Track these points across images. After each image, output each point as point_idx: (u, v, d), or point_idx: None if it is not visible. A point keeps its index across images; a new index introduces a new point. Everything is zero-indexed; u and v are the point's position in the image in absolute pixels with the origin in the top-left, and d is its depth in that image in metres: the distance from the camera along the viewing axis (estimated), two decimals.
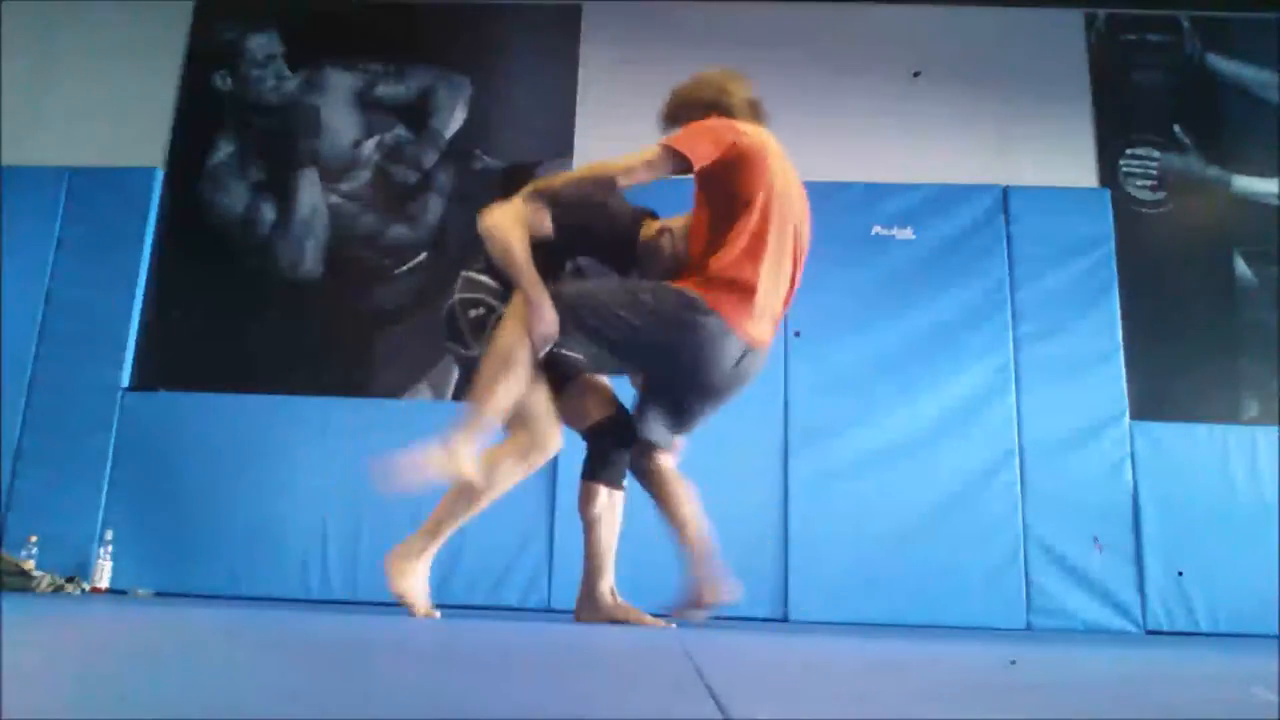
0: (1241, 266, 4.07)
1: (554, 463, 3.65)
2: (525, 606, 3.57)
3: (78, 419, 3.80)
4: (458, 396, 3.94)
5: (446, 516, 2.28)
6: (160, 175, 4.17)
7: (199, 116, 4.29)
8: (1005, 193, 4.05)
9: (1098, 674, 1.33)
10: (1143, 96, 4.28)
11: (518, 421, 2.22)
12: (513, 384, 2.14)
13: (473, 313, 2.28)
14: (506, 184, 4.18)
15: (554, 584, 3.57)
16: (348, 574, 3.63)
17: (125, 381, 3.90)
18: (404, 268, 4.12)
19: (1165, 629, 3.58)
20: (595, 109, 4.27)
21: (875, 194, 4.04)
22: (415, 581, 2.23)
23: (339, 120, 4.28)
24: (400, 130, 4.27)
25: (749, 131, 2.25)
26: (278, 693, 0.77)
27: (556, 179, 2.32)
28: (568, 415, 2.32)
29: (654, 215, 2.43)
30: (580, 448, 2.42)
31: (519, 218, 2.21)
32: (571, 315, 2.13)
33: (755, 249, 2.20)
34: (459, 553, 3.60)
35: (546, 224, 2.25)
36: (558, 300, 2.13)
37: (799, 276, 2.43)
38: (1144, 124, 4.24)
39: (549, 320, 2.11)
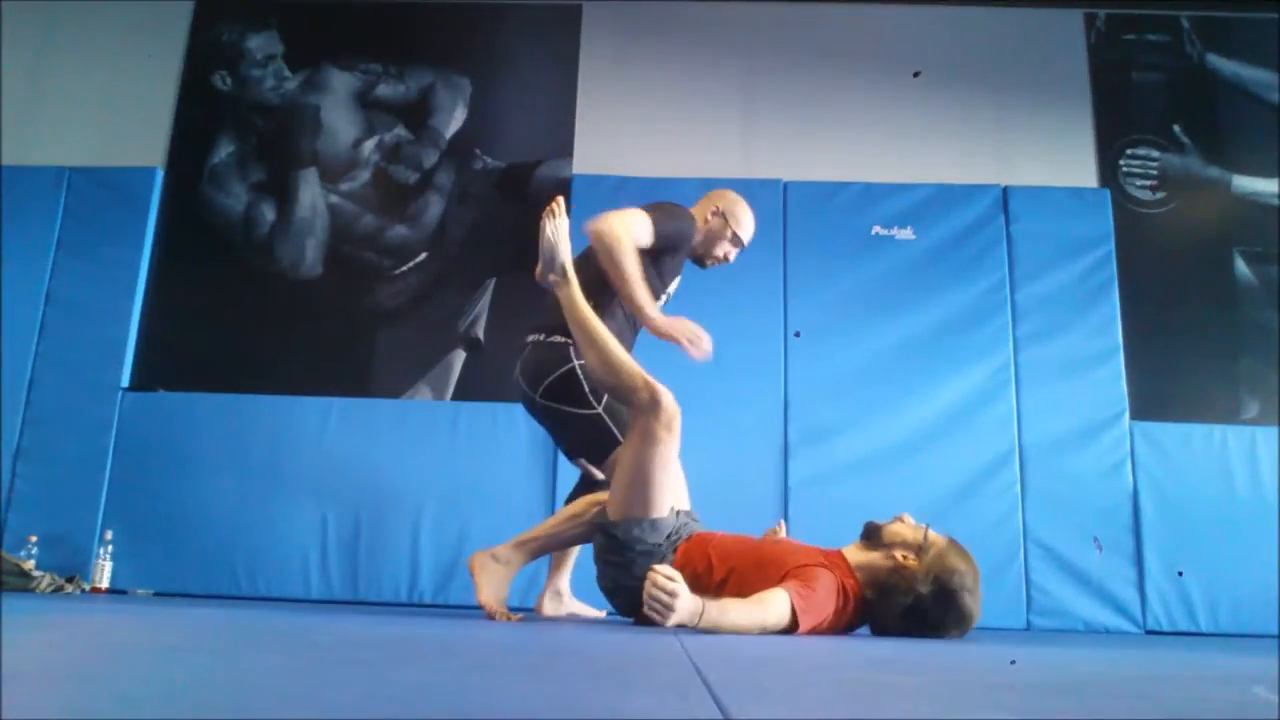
0: (1241, 266, 4.07)
1: (554, 465, 3.67)
2: (525, 606, 3.57)
3: (78, 419, 3.80)
4: (457, 396, 3.94)
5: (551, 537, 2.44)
6: (160, 175, 4.17)
7: (199, 116, 4.29)
8: (1005, 193, 4.05)
9: (1098, 674, 1.33)
10: (1143, 96, 4.28)
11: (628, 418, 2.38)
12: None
13: (561, 369, 2.50)
14: (506, 184, 4.19)
15: None
16: (348, 574, 3.63)
17: (125, 381, 3.90)
18: (404, 268, 4.12)
19: (1165, 629, 3.58)
20: (595, 109, 4.27)
21: (875, 194, 4.04)
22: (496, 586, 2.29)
23: (339, 120, 4.29)
24: (400, 130, 4.27)
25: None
26: (278, 693, 0.77)
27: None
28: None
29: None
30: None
31: (628, 228, 2.46)
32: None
33: None
34: (459, 553, 3.61)
35: (646, 238, 2.51)
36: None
37: None
38: (1144, 124, 4.24)
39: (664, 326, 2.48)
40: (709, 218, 2.69)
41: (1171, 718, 0.83)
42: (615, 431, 2.44)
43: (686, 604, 1.78)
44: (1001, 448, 3.74)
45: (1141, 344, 3.92)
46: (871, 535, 2.21)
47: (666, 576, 1.78)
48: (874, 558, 2.16)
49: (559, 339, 2.52)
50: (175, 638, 1.40)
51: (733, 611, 1.86)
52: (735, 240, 2.71)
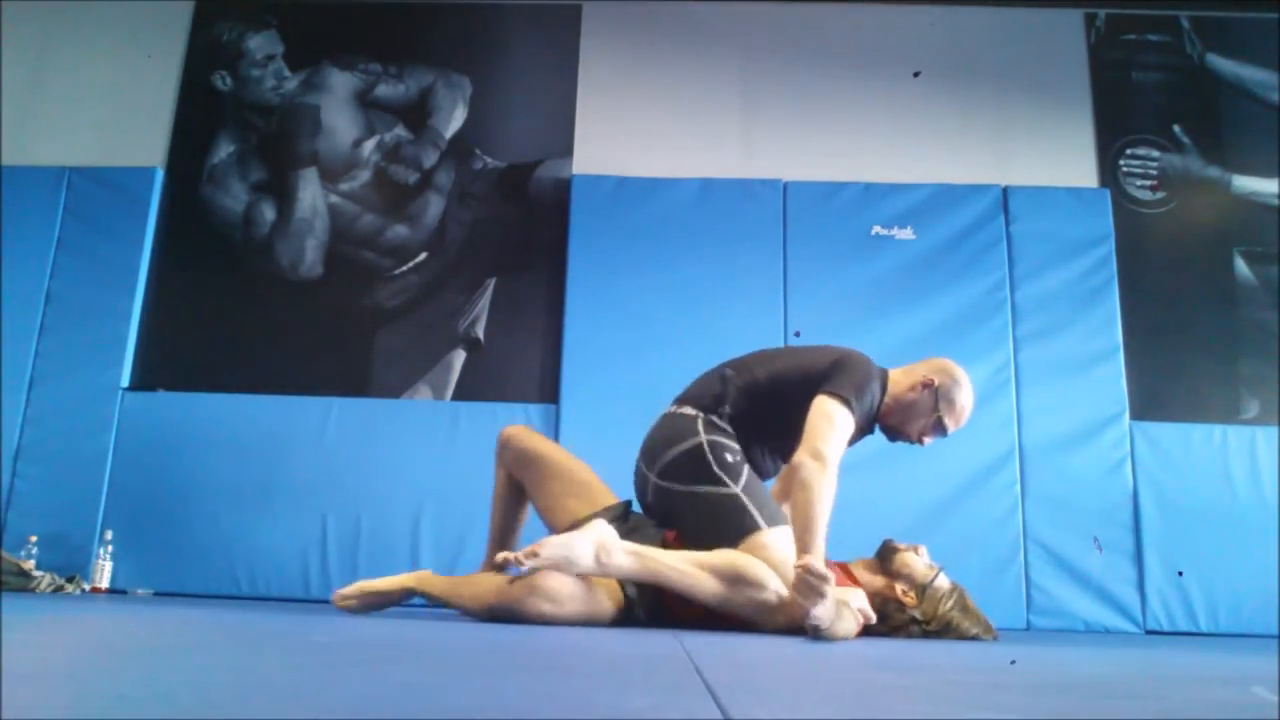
0: (1241, 266, 4.07)
1: None
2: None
3: (78, 419, 3.80)
4: (457, 396, 3.94)
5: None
6: (160, 175, 4.17)
7: (199, 116, 4.29)
8: (1005, 193, 4.05)
9: (1098, 674, 1.33)
10: (1143, 96, 4.29)
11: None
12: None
13: (729, 457, 2.18)
14: (506, 184, 4.19)
15: None
16: (348, 574, 3.63)
17: (125, 381, 3.90)
18: (404, 268, 4.12)
19: (1165, 629, 3.58)
20: (595, 109, 4.27)
21: (875, 194, 4.04)
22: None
23: (339, 120, 4.29)
24: (400, 130, 4.27)
25: None
26: (278, 693, 0.77)
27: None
28: None
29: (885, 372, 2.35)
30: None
31: (836, 460, 2.06)
32: None
33: None
34: (458, 553, 3.61)
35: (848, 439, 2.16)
36: None
37: None
38: (1144, 124, 4.24)
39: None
40: (918, 388, 2.26)
41: (1171, 718, 0.83)
42: (756, 514, 2.10)
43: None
44: (1001, 448, 3.74)
45: (1141, 344, 3.92)
46: (884, 557, 2.21)
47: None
48: (877, 582, 2.17)
49: (689, 410, 2.26)
50: (175, 638, 1.40)
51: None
52: (939, 427, 2.28)
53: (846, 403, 2.11)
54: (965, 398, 2.28)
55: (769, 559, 2.03)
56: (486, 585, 2.07)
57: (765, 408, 2.25)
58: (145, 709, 0.64)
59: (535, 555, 1.90)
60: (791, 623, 2.01)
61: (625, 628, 2.02)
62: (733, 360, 2.37)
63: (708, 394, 2.26)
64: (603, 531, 1.98)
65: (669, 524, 2.20)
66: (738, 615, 2.02)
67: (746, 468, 2.17)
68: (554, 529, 2.39)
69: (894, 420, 2.30)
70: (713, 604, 2.00)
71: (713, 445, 2.16)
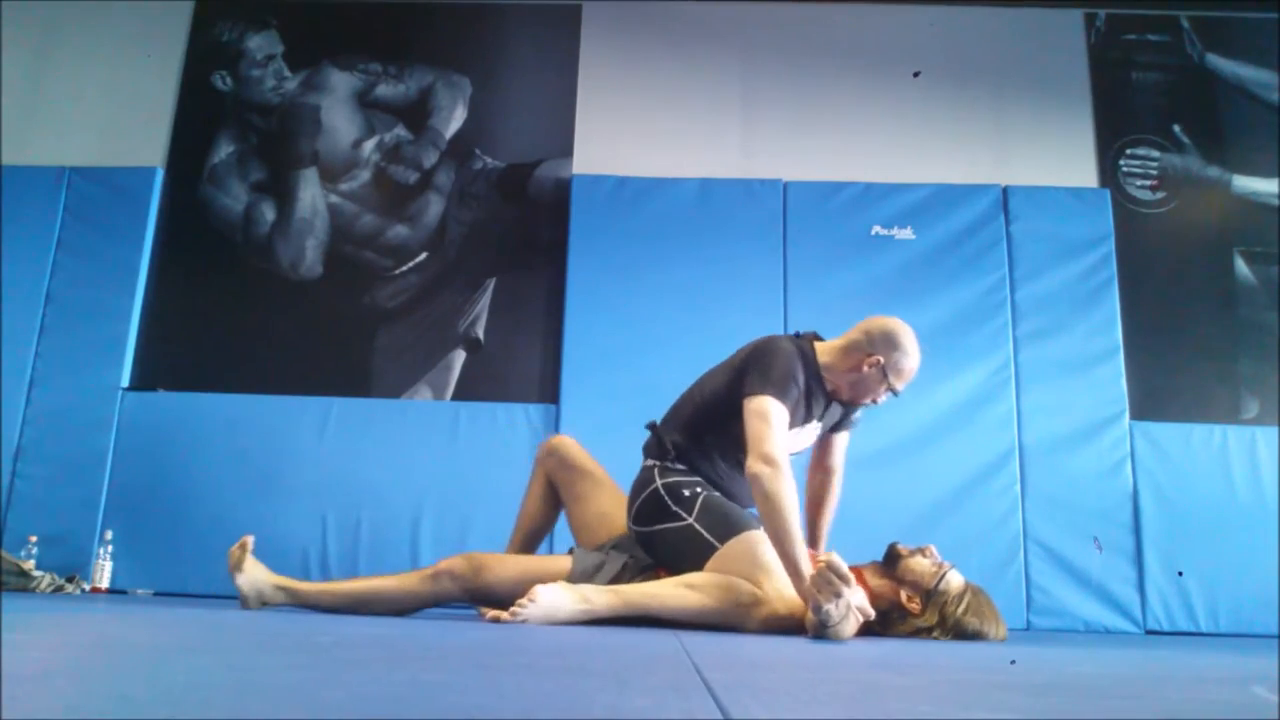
0: (1241, 266, 4.07)
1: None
2: None
3: (78, 419, 3.80)
4: (457, 396, 3.94)
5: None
6: (160, 175, 4.17)
7: (199, 116, 4.29)
8: (1005, 193, 4.05)
9: (1098, 674, 1.33)
10: (1143, 96, 4.29)
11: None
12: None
13: (685, 492, 2.25)
14: (506, 184, 4.19)
15: None
16: (347, 574, 3.63)
17: (125, 381, 3.90)
18: (404, 268, 4.12)
19: (1165, 629, 3.58)
20: (595, 109, 4.27)
21: (875, 194, 4.04)
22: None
23: (339, 120, 4.29)
24: (400, 130, 4.27)
25: None
26: (278, 692, 0.77)
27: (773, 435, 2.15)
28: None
29: (817, 336, 2.44)
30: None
31: (785, 460, 2.11)
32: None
33: None
34: (458, 553, 3.60)
35: (787, 428, 2.21)
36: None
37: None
38: (1144, 124, 4.25)
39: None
40: (863, 367, 2.32)
41: (1171, 718, 0.83)
42: (709, 537, 2.16)
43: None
44: (1001, 448, 3.74)
45: (1141, 344, 3.92)
46: (889, 562, 2.18)
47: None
48: (884, 586, 2.13)
49: (648, 462, 2.36)
50: (175, 638, 1.40)
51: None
52: (890, 390, 2.38)
53: (771, 395, 2.17)
54: (912, 363, 2.37)
55: (742, 570, 2.09)
56: (384, 580, 2.23)
57: (709, 434, 2.33)
58: (146, 709, 0.64)
59: (531, 603, 1.97)
60: (772, 617, 2.04)
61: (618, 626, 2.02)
62: (670, 409, 2.45)
63: (654, 446, 2.38)
64: (580, 587, 2.10)
65: (660, 562, 2.31)
66: (722, 625, 2.05)
67: (703, 496, 2.25)
68: (584, 544, 2.42)
69: (845, 397, 2.40)
70: (698, 619, 2.05)
71: (669, 487, 2.27)
